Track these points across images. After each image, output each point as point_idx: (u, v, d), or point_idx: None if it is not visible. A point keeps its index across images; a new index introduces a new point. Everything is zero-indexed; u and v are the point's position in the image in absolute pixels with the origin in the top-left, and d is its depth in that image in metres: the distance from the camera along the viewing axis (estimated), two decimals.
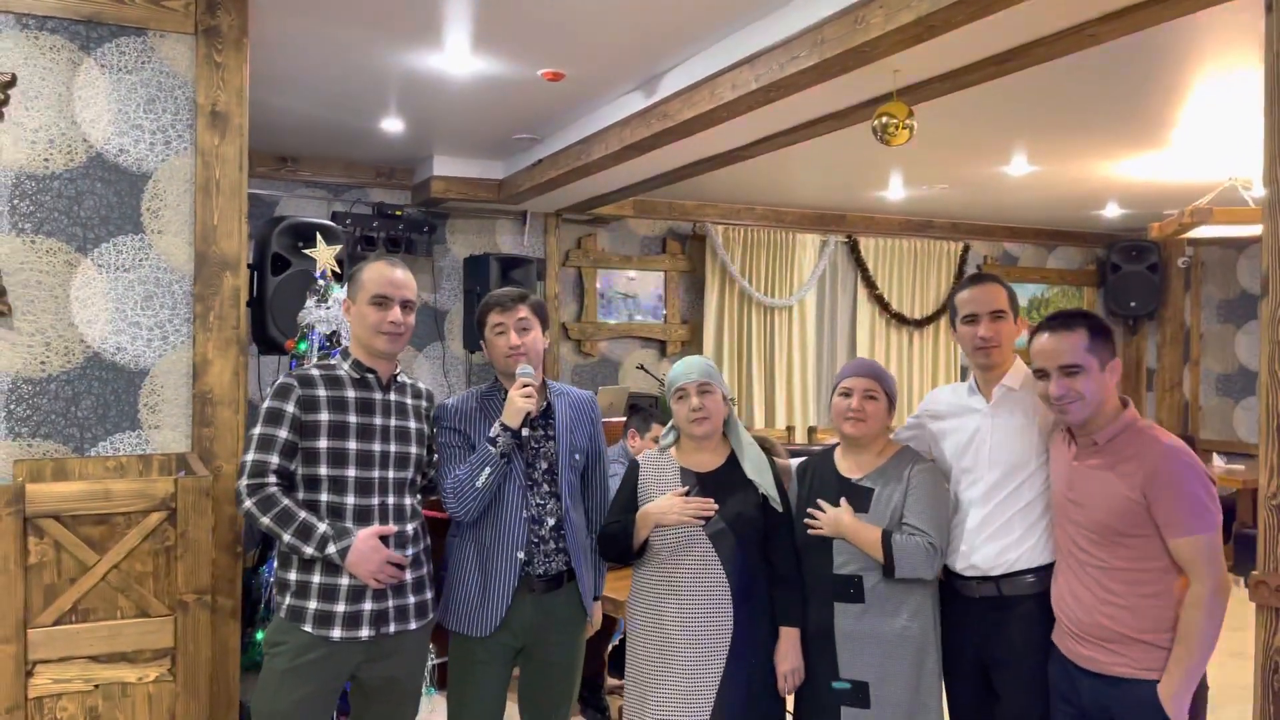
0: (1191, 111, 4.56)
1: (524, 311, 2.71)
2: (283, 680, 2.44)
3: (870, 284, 7.95)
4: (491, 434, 2.61)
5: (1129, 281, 8.51)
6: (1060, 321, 2.37)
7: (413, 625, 2.57)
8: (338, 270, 3.80)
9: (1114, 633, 2.25)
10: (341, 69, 4.18)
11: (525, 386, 2.62)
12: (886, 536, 2.55)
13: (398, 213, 6.05)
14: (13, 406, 3.04)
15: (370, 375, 2.59)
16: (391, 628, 2.52)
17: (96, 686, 2.52)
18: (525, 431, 2.64)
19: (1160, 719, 2.17)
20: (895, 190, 6.84)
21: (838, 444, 2.83)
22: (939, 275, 8.22)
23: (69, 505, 2.50)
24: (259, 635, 3.51)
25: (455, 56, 3.94)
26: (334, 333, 3.66)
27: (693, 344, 7.44)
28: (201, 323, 3.23)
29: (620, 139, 4.53)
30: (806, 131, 4.10)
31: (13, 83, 3.03)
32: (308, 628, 2.45)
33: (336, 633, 2.46)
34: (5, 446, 3.02)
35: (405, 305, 2.59)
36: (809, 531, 2.65)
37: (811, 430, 7.49)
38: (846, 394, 2.72)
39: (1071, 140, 5.21)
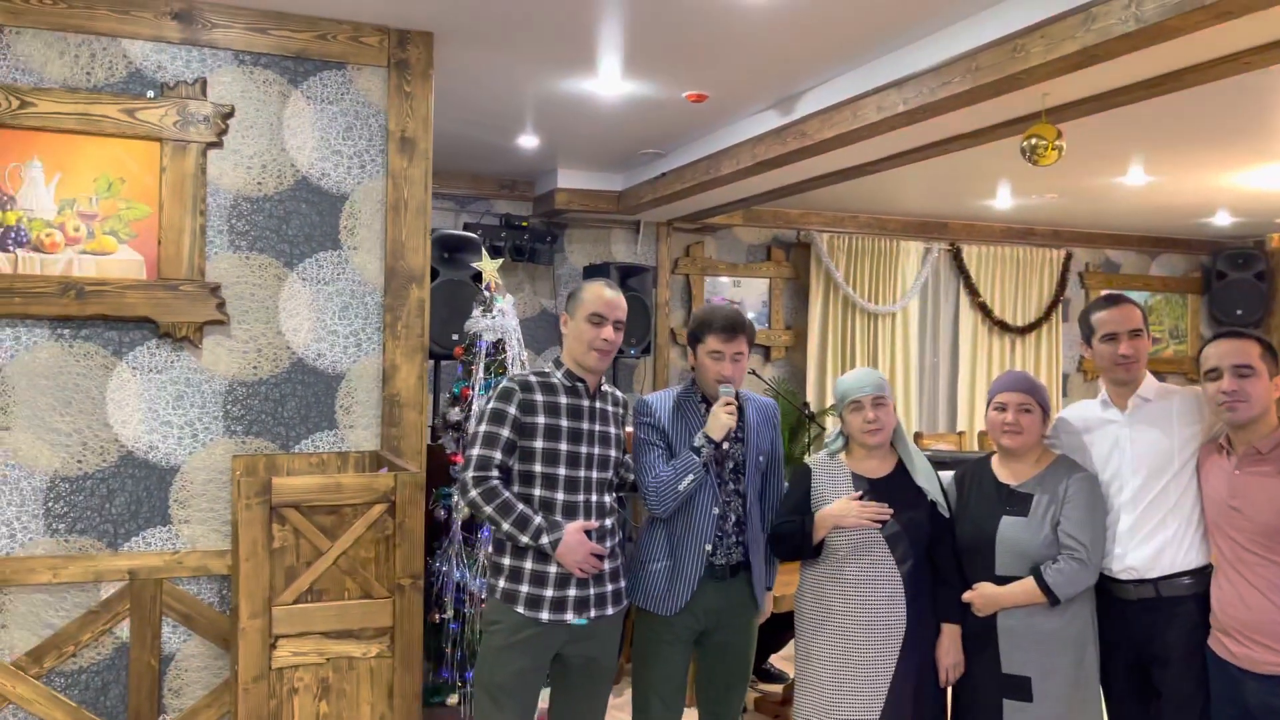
0: None
1: (743, 345, 2.93)
2: (499, 655, 2.72)
3: (973, 291, 8.03)
4: (695, 444, 2.85)
5: (1235, 289, 8.44)
6: (1234, 332, 2.61)
7: (610, 610, 2.82)
8: (499, 282, 4.07)
9: None
10: (494, 92, 4.44)
11: (729, 404, 2.84)
12: (1038, 577, 2.70)
13: (524, 224, 6.34)
14: (229, 407, 3.36)
15: (580, 384, 2.84)
16: (592, 613, 2.77)
17: (328, 660, 2.80)
18: (725, 445, 2.87)
19: None
20: (1003, 199, 6.91)
21: (993, 452, 2.99)
22: (1041, 283, 8.26)
23: (307, 496, 2.80)
24: None
25: (607, 80, 4.18)
26: (499, 340, 3.93)
27: (797, 350, 7.61)
28: (390, 331, 3.52)
29: (753, 155, 4.73)
30: (942, 148, 4.25)
31: (232, 113, 3.35)
32: (520, 609, 2.71)
33: (545, 615, 2.71)
34: (223, 443, 3.35)
35: (617, 325, 2.83)
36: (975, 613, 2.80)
37: (917, 436, 7.59)
38: (1001, 408, 2.87)
39: (1191, 152, 5.26)
